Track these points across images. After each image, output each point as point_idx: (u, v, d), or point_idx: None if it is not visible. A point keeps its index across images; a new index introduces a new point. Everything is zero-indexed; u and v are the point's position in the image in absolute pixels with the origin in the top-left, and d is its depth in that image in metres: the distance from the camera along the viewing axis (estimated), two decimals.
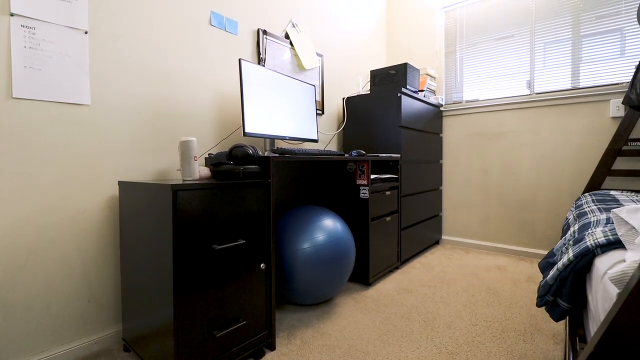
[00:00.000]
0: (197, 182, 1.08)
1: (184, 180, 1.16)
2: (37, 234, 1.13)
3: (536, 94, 2.33)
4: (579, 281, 0.91)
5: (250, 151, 1.20)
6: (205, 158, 1.43)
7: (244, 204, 1.15)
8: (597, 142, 2.12)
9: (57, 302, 1.17)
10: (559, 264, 0.92)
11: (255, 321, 1.19)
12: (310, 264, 1.41)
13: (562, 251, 1.06)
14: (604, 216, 1.11)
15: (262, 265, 1.20)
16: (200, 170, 1.33)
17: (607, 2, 2.07)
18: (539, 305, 0.97)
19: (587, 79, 2.15)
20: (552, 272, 0.94)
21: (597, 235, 0.89)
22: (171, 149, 1.48)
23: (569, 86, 2.22)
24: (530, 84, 2.36)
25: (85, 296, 1.24)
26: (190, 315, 0.99)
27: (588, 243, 0.88)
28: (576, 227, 1.15)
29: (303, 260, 1.40)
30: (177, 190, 0.95)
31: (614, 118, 2.06)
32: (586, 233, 0.96)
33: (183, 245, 0.97)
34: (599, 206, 1.44)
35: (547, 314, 1.49)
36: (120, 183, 1.24)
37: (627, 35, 2.02)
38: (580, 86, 2.18)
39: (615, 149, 1.94)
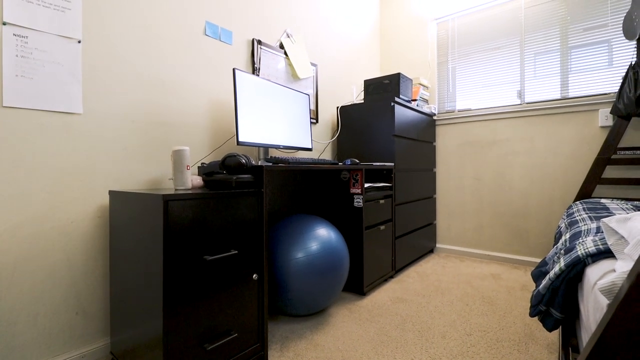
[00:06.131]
0: (189, 191, 1.07)
1: (176, 190, 1.15)
2: (25, 245, 1.10)
3: (527, 103, 2.37)
4: (570, 291, 0.91)
5: (244, 160, 1.20)
6: (198, 167, 1.43)
7: (237, 214, 1.14)
8: (588, 151, 2.15)
9: (44, 315, 1.14)
10: (551, 274, 0.92)
11: (247, 333, 1.17)
12: (304, 274, 1.39)
13: (553, 260, 1.07)
14: (594, 225, 1.12)
15: (254, 275, 1.18)
16: (193, 180, 1.32)
17: (594, 15, 2.13)
18: (532, 315, 0.97)
19: (576, 89, 2.20)
20: (544, 282, 0.94)
21: (587, 244, 0.90)
22: (164, 158, 1.47)
23: (558, 96, 2.26)
24: (520, 94, 2.41)
25: (73, 308, 1.21)
26: (180, 327, 0.97)
27: (579, 252, 0.88)
28: (567, 235, 1.16)
29: (296, 270, 1.39)
30: (168, 200, 0.94)
31: (602, 127, 2.10)
32: (577, 242, 0.96)
33: (174, 256, 0.96)
34: (590, 214, 1.45)
35: (530, 317, 1.49)
36: (111, 192, 1.23)
37: (614, 46, 2.08)
38: (570, 96, 2.22)
39: (604, 158, 1.97)
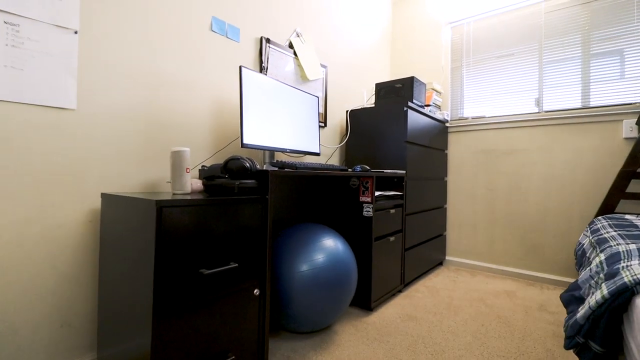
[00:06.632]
0: (187, 196, 0.98)
1: (173, 194, 1.06)
2: (6, 250, 1.01)
3: (545, 112, 2.26)
4: (614, 322, 0.80)
5: (247, 164, 1.10)
6: (199, 170, 1.33)
7: (238, 222, 1.04)
8: (610, 163, 2.04)
9: (25, 328, 1.05)
10: (592, 302, 0.81)
11: (246, 355, 1.06)
12: (309, 288, 1.29)
13: (590, 285, 0.96)
14: (634, 246, 1.01)
15: (255, 291, 1.08)
16: (193, 183, 1.23)
17: (620, 21, 2.03)
18: (567, 347, 0.86)
19: (598, 99, 2.09)
20: (582, 311, 0.83)
21: (635, 270, 0.79)
22: (163, 159, 1.38)
23: (579, 105, 2.15)
24: (538, 102, 2.30)
25: (57, 320, 1.11)
26: (171, 347, 0.87)
27: (625, 279, 0.78)
28: (602, 257, 1.04)
29: (301, 283, 1.29)
30: (162, 207, 0.85)
31: (627, 139, 1.98)
32: (620, 266, 0.85)
33: (166, 268, 0.86)
34: (619, 232, 1.34)
35: (565, 349, 1.37)
36: (103, 195, 1.14)
37: (638, 54, 1.97)
38: (591, 105, 2.11)
39: (629, 171, 1.85)
